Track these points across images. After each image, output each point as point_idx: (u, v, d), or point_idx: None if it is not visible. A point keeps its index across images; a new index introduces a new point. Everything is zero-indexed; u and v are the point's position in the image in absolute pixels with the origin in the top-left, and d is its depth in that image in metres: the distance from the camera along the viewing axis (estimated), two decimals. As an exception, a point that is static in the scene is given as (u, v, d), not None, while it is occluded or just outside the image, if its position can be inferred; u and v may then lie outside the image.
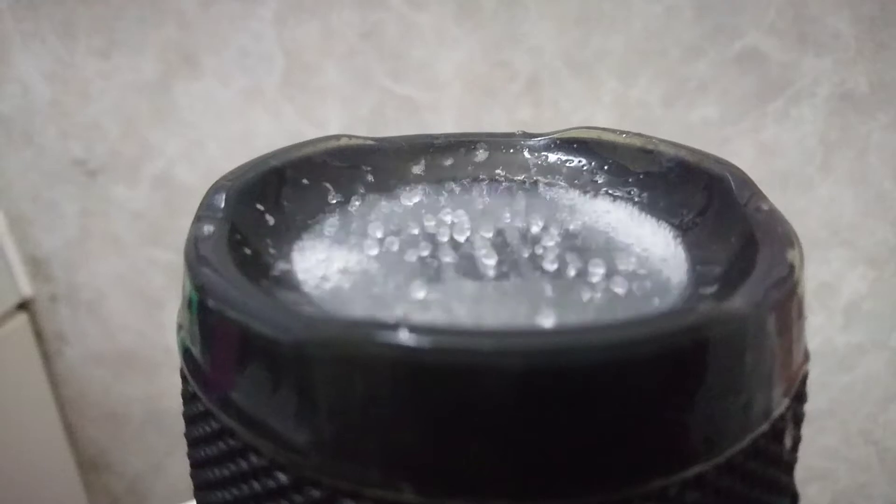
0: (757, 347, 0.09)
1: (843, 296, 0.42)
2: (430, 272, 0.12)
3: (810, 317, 0.42)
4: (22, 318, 0.45)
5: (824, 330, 0.43)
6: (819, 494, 0.48)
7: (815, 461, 0.47)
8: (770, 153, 0.39)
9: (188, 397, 0.12)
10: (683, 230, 0.13)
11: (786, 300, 0.10)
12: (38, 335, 0.46)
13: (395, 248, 0.13)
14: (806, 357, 0.11)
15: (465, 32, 0.37)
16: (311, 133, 0.40)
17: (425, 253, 0.13)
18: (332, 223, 0.14)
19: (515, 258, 0.13)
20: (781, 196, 0.39)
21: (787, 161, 0.39)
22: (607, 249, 0.13)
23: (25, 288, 0.44)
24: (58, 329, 0.46)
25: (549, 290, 0.12)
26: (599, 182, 0.15)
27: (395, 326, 0.08)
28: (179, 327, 0.12)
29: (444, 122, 0.39)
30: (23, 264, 0.44)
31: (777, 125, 0.38)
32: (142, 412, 0.49)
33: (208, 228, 0.11)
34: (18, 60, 0.39)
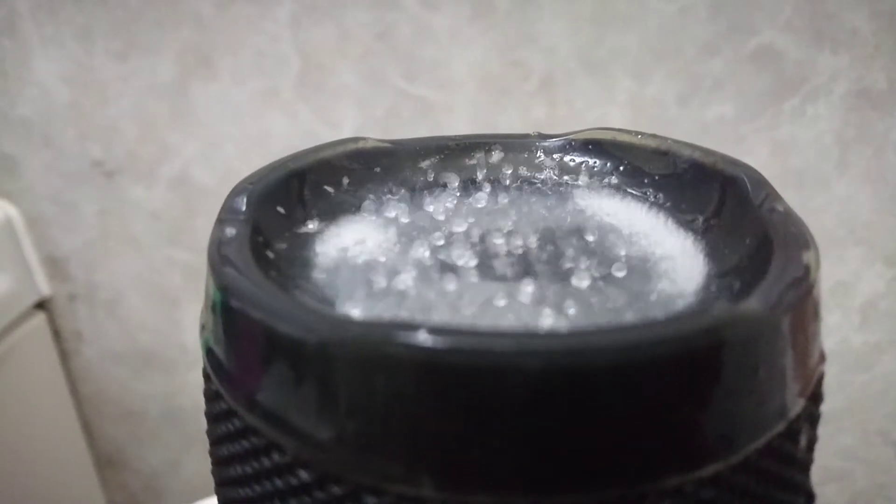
0: (772, 349, 0.10)
1: (859, 295, 0.42)
2: (449, 273, 0.13)
3: (827, 316, 0.42)
4: (40, 318, 0.45)
5: (841, 329, 0.43)
6: (837, 495, 0.48)
7: (833, 461, 0.47)
8: (786, 151, 0.39)
9: (211, 396, 0.12)
10: (699, 231, 0.14)
11: (801, 302, 0.10)
12: (56, 334, 0.47)
13: (414, 249, 0.13)
14: (822, 358, 0.11)
15: (479, 32, 0.37)
16: (326, 134, 0.40)
17: (443, 254, 0.13)
18: (351, 225, 0.14)
19: (531, 260, 0.13)
20: (797, 194, 0.39)
21: (803, 159, 0.39)
22: (623, 251, 0.13)
23: (44, 287, 0.45)
24: (76, 328, 0.47)
25: (565, 291, 0.12)
26: (615, 183, 0.15)
27: (415, 327, 0.09)
28: (202, 328, 0.12)
29: (458, 123, 0.39)
30: (41, 264, 0.45)
31: (793, 123, 0.38)
32: (159, 410, 0.49)
33: (230, 231, 0.12)
34: (38, 64, 0.39)
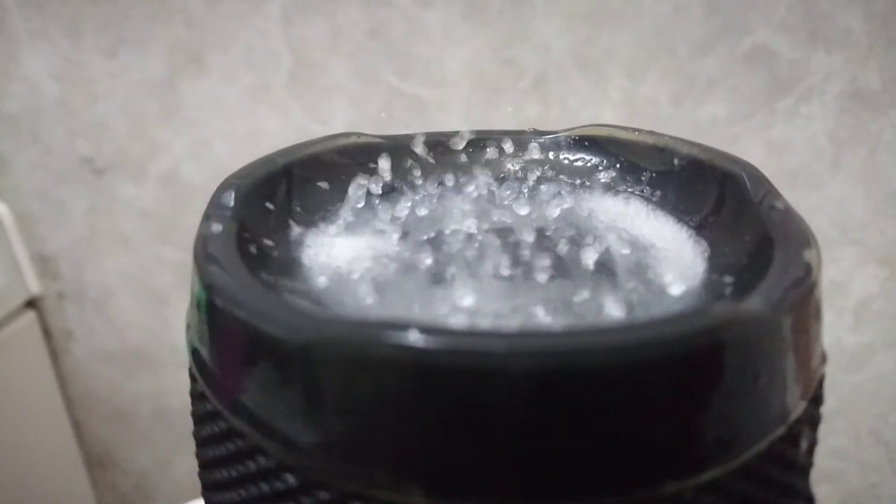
0: (774, 349, 0.09)
1: (853, 295, 0.42)
2: (441, 270, 0.12)
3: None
4: (30, 316, 0.45)
5: (834, 329, 0.43)
6: (829, 495, 0.48)
7: (825, 462, 0.47)
8: (779, 151, 0.39)
9: (196, 397, 0.11)
10: (698, 229, 0.13)
11: (803, 301, 0.10)
12: (46, 333, 0.46)
13: (404, 245, 0.13)
14: (823, 359, 0.11)
15: (473, 30, 0.37)
16: (318, 131, 0.40)
17: (435, 250, 0.13)
18: (341, 221, 0.14)
19: (527, 257, 0.13)
20: (791, 194, 0.38)
21: (796, 159, 0.39)
22: (620, 248, 0.13)
23: (33, 286, 0.44)
24: (65, 327, 0.46)
25: (561, 289, 0.12)
26: (612, 180, 0.15)
27: (404, 327, 0.08)
28: (188, 327, 0.11)
29: (451, 121, 0.39)
30: (30, 262, 0.44)
31: (787, 123, 0.38)
32: (149, 409, 0.49)
33: (217, 227, 0.11)
34: (26, 59, 0.39)
